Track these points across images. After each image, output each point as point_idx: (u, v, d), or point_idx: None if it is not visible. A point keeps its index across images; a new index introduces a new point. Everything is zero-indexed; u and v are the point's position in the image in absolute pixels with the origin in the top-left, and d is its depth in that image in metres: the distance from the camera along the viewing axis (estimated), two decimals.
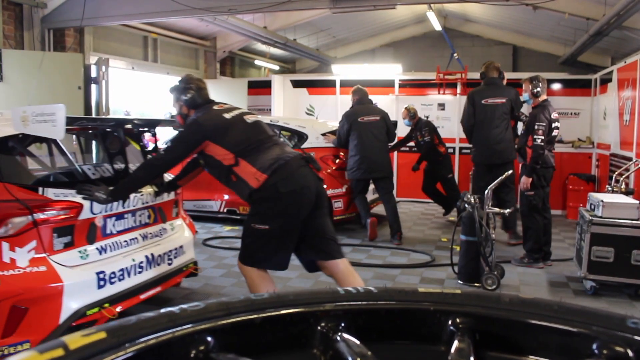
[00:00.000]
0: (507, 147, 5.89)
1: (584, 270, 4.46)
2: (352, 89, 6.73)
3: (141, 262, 3.41)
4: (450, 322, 0.86)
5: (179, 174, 3.83)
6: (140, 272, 3.39)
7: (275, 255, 3.21)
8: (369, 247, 6.02)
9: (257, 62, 13.81)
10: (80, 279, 2.99)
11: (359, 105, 6.53)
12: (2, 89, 7.04)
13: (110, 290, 3.13)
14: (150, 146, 4.26)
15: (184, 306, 0.82)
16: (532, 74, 5.49)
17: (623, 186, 5.44)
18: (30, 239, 2.84)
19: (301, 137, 6.99)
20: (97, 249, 3.20)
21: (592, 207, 4.64)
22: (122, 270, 3.24)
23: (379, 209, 6.99)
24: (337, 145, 6.69)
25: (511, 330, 0.86)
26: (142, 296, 3.41)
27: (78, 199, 3.05)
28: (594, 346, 0.79)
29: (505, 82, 6.29)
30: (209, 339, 0.77)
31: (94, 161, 3.99)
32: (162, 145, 5.48)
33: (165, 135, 6.91)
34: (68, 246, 3.01)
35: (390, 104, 9.00)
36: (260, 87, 10.59)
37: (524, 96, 5.40)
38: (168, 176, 3.88)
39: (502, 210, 4.99)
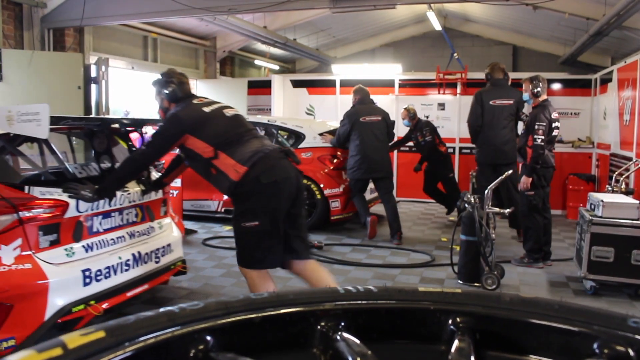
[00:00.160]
0: (513, 147, 5.97)
1: (584, 270, 4.45)
2: (354, 89, 6.72)
3: (128, 260, 3.44)
4: (450, 322, 0.86)
5: (164, 172, 3.86)
6: (127, 270, 3.43)
7: (270, 252, 3.22)
8: (369, 247, 6.02)
9: (257, 62, 13.82)
10: (66, 276, 3.03)
11: (361, 105, 6.52)
12: (2, 88, 7.03)
13: (96, 287, 3.17)
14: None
15: (183, 305, 0.82)
16: (532, 74, 5.50)
17: (623, 186, 5.44)
18: (16, 236, 2.88)
19: (299, 137, 7.00)
20: (83, 246, 3.23)
21: (592, 207, 4.63)
22: (108, 267, 3.27)
23: (379, 209, 6.99)
24: (335, 145, 6.69)
25: (512, 330, 0.85)
26: (129, 294, 3.45)
27: (64, 197, 3.09)
28: (595, 345, 0.78)
29: (510, 82, 6.34)
30: (209, 338, 0.77)
31: (82, 160, 4.00)
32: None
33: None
34: (54, 244, 3.06)
35: (390, 104, 8.99)
36: (260, 87, 10.59)
37: (524, 96, 5.40)
38: (155, 175, 3.92)
39: (502, 210, 4.99)
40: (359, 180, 6.37)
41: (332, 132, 6.90)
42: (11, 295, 2.79)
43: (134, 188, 3.63)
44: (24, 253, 2.90)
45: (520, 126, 6.19)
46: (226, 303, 0.83)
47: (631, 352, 0.75)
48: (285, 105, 9.98)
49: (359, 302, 0.90)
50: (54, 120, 3.24)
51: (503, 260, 5.20)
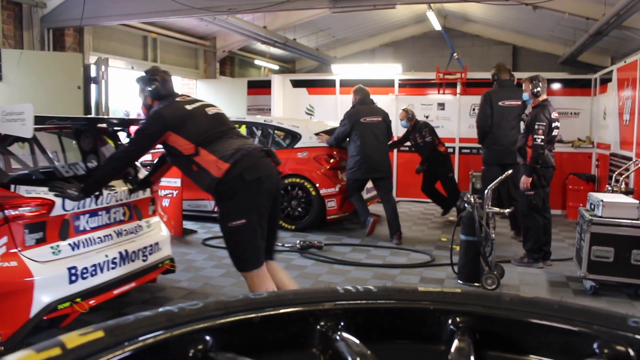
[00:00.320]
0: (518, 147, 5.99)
1: (583, 270, 4.45)
2: (354, 89, 6.72)
3: (114, 258, 3.47)
4: (450, 322, 0.86)
5: (151, 170, 3.90)
6: (113, 268, 3.46)
7: (260, 248, 3.24)
8: (368, 247, 6.02)
9: (256, 61, 13.81)
10: (52, 274, 3.06)
11: (361, 106, 6.52)
12: (1, 88, 7.03)
13: (82, 285, 3.20)
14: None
15: (183, 305, 0.81)
16: (532, 74, 5.50)
17: (623, 186, 5.44)
18: (2, 234, 2.92)
19: (295, 136, 7.01)
20: (69, 244, 3.26)
21: (592, 206, 4.63)
22: (94, 265, 3.31)
23: (378, 209, 6.98)
24: (331, 145, 6.70)
25: (512, 330, 0.85)
26: (116, 291, 3.48)
27: (50, 196, 3.12)
28: (595, 345, 0.78)
29: (515, 83, 6.38)
30: (208, 338, 0.77)
31: (72, 160, 4.03)
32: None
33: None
34: (40, 242, 3.09)
35: (390, 104, 8.99)
36: (260, 87, 10.59)
37: (524, 96, 5.41)
38: (143, 173, 3.95)
39: (502, 210, 4.99)
40: (358, 179, 6.38)
41: (328, 132, 6.91)
42: None
43: (121, 187, 3.67)
44: (9, 251, 2.94)
45: (521, 126, 6.21)
46: (225, 303, 0.83)
47: (631, 352, 0.75)
48: (285, 105, 9.98)
49: (359, 302, 0.89)
50: (39, 120, 3.28)
51: (503, 260, 5.20)
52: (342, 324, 0.84)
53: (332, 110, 9.41)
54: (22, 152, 4.08)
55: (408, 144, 7.94)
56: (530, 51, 13.57)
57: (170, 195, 6.28)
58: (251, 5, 7.38)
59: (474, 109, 9.10)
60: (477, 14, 12.52)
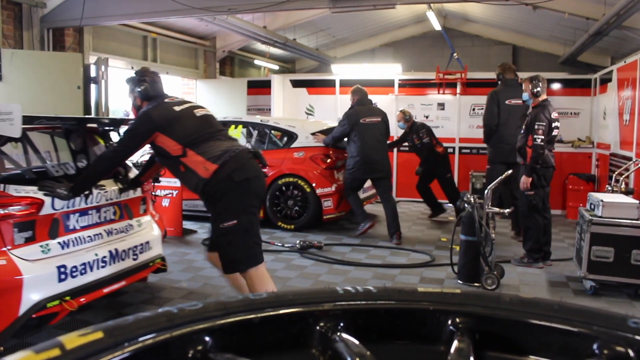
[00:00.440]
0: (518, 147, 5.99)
1: (583, 270, 4.45)
2: (352, 89, 6.73)
3: (104, 257, 3.50)
4: (449, 322, 0.86)
5: (141, 170, 3.94)
6: (103, 267, 3.48)
7: (254, 249, 3.28)
8: (368, 247, 6.02)
9: (256, 61, 13.81)
10: (41, 272, 3.08)
11: (360, 106, 6.53)
12: (1, 88, 7.03)
13: (71, 283, 3.22)
14: None
15: (182, 306, 0.81)
16: (532, 74, 5.50)
17: (623, 186, 5.44)
18: None
19: (291, 136, 7.03)
20: (59, 243, 3.29)
21: (592, 206, 4.63)
22: (84, 264, 3.33)
23: (378, 209, 6.98)
24: (328, 145, 6.72)
25: (511, 330, 0.85)
26: (106, 290, 3.50)
27: (39, 195, 3.15)
28: (595, 346, 0.78)
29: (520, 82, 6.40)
30: (207, 338, 0.77)
31: (65, 159, 4.05)
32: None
33: None
34: (29, 241, 3.11)
35: (390, 104, 8.99)
36: (260, 87, 10.59)
37: (524, 96, 5.41)
38: (134, 173, 3.99)
39: (502, 210, 4.99)
40: (357, 179, 6.40)
41: (324, 132, 6.92)
42: None
43: (111, 186, 3.70)
44: None
45: None
46: (225, 303, 0.83)
47: (631, 353, 0.75)
48: (285, 105, 9.98)
49: (358, 302, 0.89)
50: (28, 120, 3.30)
51: (503, 260, 5.20)
52: (341, 324, 0.84)
53: (332, 110, 9.41)
54: (14, 152, 4.10)
55: (405, 144, 7.95)
56: (530, 51, 13.56)
57: (170, 195, 6.29)
58: (251, 5, 7.38)
59: (473, 109, 9.11)
60: (477, 14, 12.52)
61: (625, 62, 6.99)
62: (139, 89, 3.46)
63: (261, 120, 7.64)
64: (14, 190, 3.07)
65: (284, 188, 6.75)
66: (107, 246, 3.58)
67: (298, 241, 5.85)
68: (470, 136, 9.09)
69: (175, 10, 7.30)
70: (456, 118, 9.18)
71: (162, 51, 10.54)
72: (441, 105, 9.33)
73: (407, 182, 8.93)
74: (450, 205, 7.71)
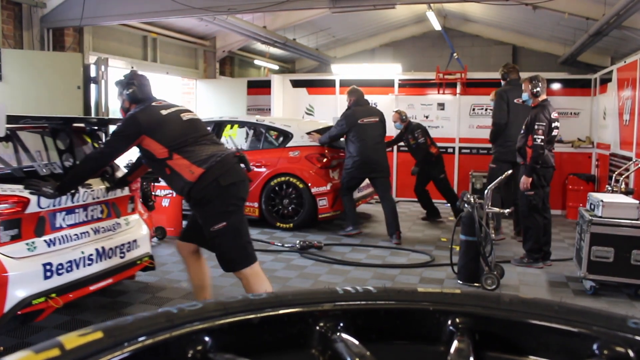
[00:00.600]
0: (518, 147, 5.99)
1: (583, 270, 4.45)
2: (348, 90, 6.77)
3: (91, 255, 3.53)
4: (449, 322, 0.86)
5: (128, 170, 3.99)
6: (89, 264, 3.52)
7: (247, 248, 3.34)
8: (368, 247, 6.02)
9: (256, 61, 13.80)
10: (27, 269, 3.12)
11: (358, 107, 6.55)
12: (2, 88, 7.02)
13: (57, 281, 3.25)
14: None
15: (182, 306, 0.81)
16: (532, 74, 5.50)
17: (623, 186, 5.44)
18: None
19: (286, 135, 7.05)
20: (45, 241, 3.32)
21: (592, 207, 4.63)
22: (70, 262, 3.36)
23: (377, 209, 6.98)
24: (323, 144, 6.74)
25: (511, 331, 0.85)
26: (92, 287, 3.54)
27: (25, 193, 3.18)
28: (595, 346, 0.78)
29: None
30: (207, 339, 0.77)
31: (55, 159, 4.08)
32: None
33: None
34: (15, 238, 3.15)
35: (390, 104, 8.99)
36: (260, 87, 10.59)
37: (524, 96, 5.41)
38: (121, 172, 4.04)
39: (502, 210, 4.98)
40: (355, 178, 6.42)
41: (319, 131, 6.93)
42: None
43: (98, 185, 3.73)
44: None
45: None
46: (224, 303, 0.83)
47: (631, 353, 0.75)
48: (285, 105, 9.98)
49: (358, 302, 0.89)
50: (13, 119, 3.34)
51: (503, 260, 5.20)
52: (341, 324, 0.84)
53: (332, 110, 9.41)
54: (4, 152, 4.11)
55: (401, 143, 7.97)
56: (530, 51, 13.56)
57: (170, 195, 6.29)
58: (251, 5, 7.37)
59: (473, 109, 9.11)
60: (477, 14, 12.52)
61: (625, 62, 6.99)
62: (127, 92, 3.51)
63: (257, 120, 7.67)
64: (0, 189, 3.11)
65: (279, 187, 6.78)
66: (94, 244, 3.62)
67: (298, 241, 5.85)
68: (470, 136, 9.09)
69: (175, 10, 7.30)
70: (456, 118, 9.18)
71: (162, 51, 10.53)
72: (441, 105, 9.32)
73: (407, 182, 8.92)
74: (448, 205, 7.71)
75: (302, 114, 9.87)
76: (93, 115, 7.52)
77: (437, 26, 11.84)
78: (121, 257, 3.81)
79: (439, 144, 7.81)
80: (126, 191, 4.01)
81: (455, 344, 0.82)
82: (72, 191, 3.43)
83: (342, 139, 6.66)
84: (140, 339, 0.72)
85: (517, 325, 0.85)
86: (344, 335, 0.82)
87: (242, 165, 3.41)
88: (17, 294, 3.02)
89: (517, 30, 12.88)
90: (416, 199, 7.89)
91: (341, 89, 9.58)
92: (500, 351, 0.84)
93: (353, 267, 5.24)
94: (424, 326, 0.88)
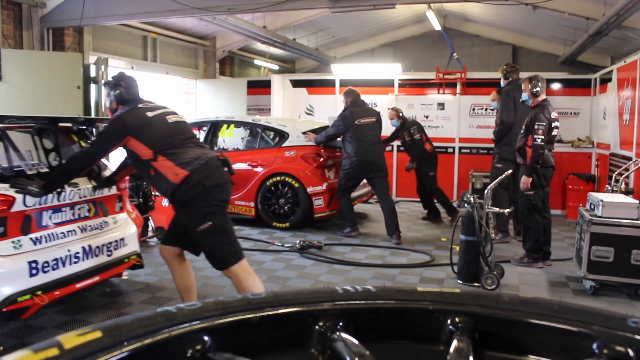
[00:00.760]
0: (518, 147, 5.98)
1: (583, 270, 4.45)
2: (344, 91, 6.78)
3: (77, 253, 3.56)
4: (449, 322, 0.86)
5: (115, 170, 4.02)
6: (76, 262, 3.54)
7: (235, 244, 3.39)
8: (368, 247, 6.02)
9: (256, 61, 13.80)
10: (12, 267, 3.14)
11: (355, 108, 6.56)
12: (2, 88, 7.02)
13: (43, 278, 3.28)
14: None
15: (181, 305, 0.81)
16: (532, 74, 5.50)
17: (623, 186, 5.44)
18: None
19: (282, 135, 7.06)
20: (31, 239, 3.34)
21: (592, 206, 4.63)
22: (56, 259, 3.39)
23: (377, 209, 6.98)
24: (319, 143, 6.75)
25: (511, 330, 0.85)
26: (79, 285, 3.56)
27: (11, 192, 3.20)
28: (595, 346, 0.78)
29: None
30: (206, 338, 0.77)
31: (44, 158, 4.09)
32: None
33: None
34: (0, 236, 3.17)
35: (390, 104, 8.98)
36: (260, 87, 10.59)
37: (523, 96, 5.41)
38: (109, 171, 4.06)
39: (501, 210, 4.98)
40: (353, 178, 6.42)
41: (314, 131, 6.94)
42: None
43: (85, 184, 3.76)
44: None
45: None
46: (224, 303, 0.83)
47: (631, 352, 0.75)
48: (285, 105, 9.98)
49: (358, 302, 0.89)
50: None
51: (503, 260, 5.20)
52: (341, 324, 0.84)
53: (332, 110, 9.39)
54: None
55: (398, 142, 7.98)
56: (530, 51, 13.56)
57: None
58: (251, 5, 7.37)
59: (473, 109, 9.11)
60: (477, 14, 12.52)
61: (625, 62, 6.99)
62: (115, 93, 3.55)
63: (253, 120, 7.69)
64: None
65: (275, 187, 6.79)
66: (81, 242, 3.64)
67: (298, 241, 5.85)
68: (470, 136, 9.09)
69: (175, 10, 7.30)
70: (456, 118, 9.18)
71: (162, 51, 10.53)
72: (441, 105, 9.32)
73: (407, 182, 8.92)
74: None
75: (303, 114, 9.87)
76: (93, 116, 7.52)
77: (437, 26, 11.84)
78: (108, 255, 3.83)
79: (439, 144, 7.83)
80: (114, 190, 4.05)
81: (454, 343, 0.82)
82: (58, 190, 3.47)
83: (338, 139, 6.68)
84: (140, 338, 0.71)
85: (516, 324, 0.85)
86: (344, 335, 0.82)
87: (226, 168, 3.45)
88: (2, 291, 3.05)
89: (517, 30, 12.88)
90: (416, 199, 7.89)
91: (341, 89, 9.55)
92: (500, 351, 0.84)
93: (353, 267, 5.24)
94: (423, 326, 0.87)
